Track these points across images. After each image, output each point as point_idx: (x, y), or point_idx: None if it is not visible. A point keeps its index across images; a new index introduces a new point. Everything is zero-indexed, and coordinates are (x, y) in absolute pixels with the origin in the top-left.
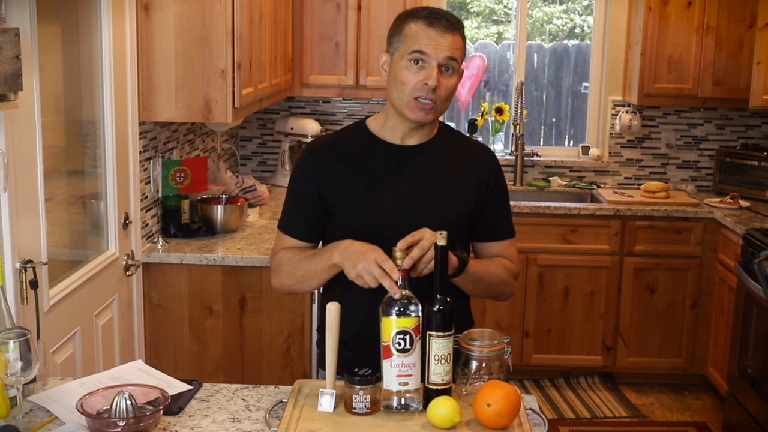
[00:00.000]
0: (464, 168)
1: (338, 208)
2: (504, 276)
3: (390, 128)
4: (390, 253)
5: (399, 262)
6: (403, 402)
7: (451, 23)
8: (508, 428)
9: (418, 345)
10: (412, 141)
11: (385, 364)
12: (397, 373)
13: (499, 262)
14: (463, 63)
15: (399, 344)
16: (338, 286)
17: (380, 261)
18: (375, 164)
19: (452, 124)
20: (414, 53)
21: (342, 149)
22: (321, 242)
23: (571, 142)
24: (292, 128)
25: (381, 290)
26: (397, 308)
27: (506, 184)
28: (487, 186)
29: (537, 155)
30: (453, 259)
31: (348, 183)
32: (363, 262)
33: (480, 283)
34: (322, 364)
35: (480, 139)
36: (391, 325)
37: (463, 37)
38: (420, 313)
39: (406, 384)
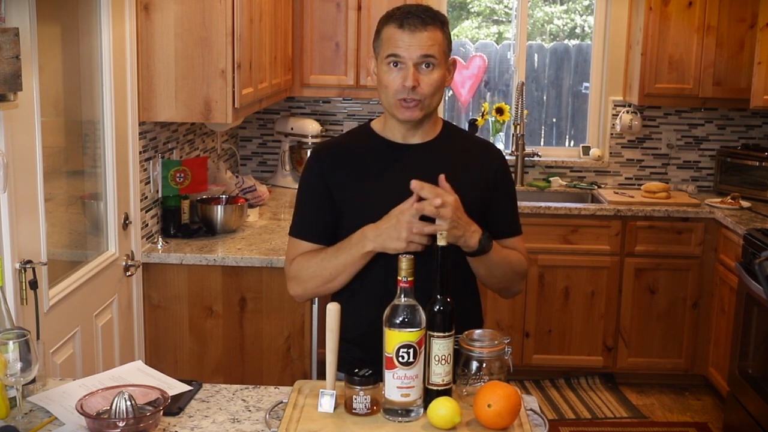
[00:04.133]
0: (470, 166)
1: (346, 209)
2: (518, 269)
3: (390, 129)
4: (396, 263)
5: (404, 273)
6: (404, 409)
7: (423, 20)
8: (509, 429)
9: (421, 356)
10: (415, 140)
11: (388, 375)
12: (399, 384)
13: (515, 255)
14: (450, 55)
15: (402, 357)
16: (348, 286)
17: (414, 222)
18: (379, 164)
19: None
20: (389, 57)
21: (347, 151)
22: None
23: (572, 143)
24: (292, 128)
25: (391, 289)
26: (400, 319)
27: (514, 182)
28: (495, 183)
29: (537, 155)
30: (476, 236)
31: (354, 183)
32: (404, 230)
33: (494, 269)
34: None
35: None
36: (395, 338)
37: (443, 30)
38: (425, 324)
39: (408, 395)
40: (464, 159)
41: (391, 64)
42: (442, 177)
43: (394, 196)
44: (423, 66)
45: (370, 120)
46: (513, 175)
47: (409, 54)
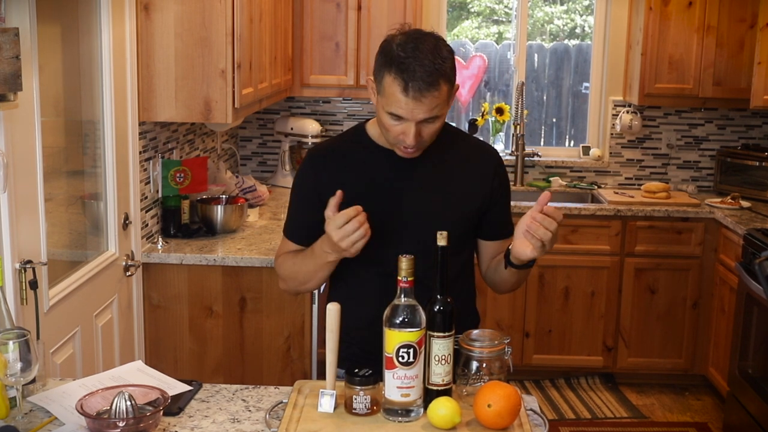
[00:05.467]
0: (467, 168)
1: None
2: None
3: None
4: (396, 261)
5: (404, 273)
6: (404, 409)
7: (427, 83)
8: (509, 429)
9: (421, 356)
10: None
11: (388, 374)
12: (399, 384)
13: None
14: (453, 85)
15: (402, 357)
16: (345, 286)
17: (338, 230)
18: (375, 170)
19: (452, 125)
20: (391, 114)
21: (342, 156)
22: None
23: (572, 143)
24: (292, 128)
25: (388, 290)
26: (400, 319)
27: (509, 184)
28: (492, 185)
29: (537, 155)
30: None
31: (348, 190)
32: (342, 241)
33: (523, 277)
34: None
35: (480, 139)
36: (395, 338)
37: (448, 78)
38: (425, 324)
39: (408, 395)
40: (461, 161)
41: (392, 117)
42: (547, 195)
43: (390, 202)
44: (426, 121)
45: (366, 120)
46: (513, 175)
47: (412, 116)
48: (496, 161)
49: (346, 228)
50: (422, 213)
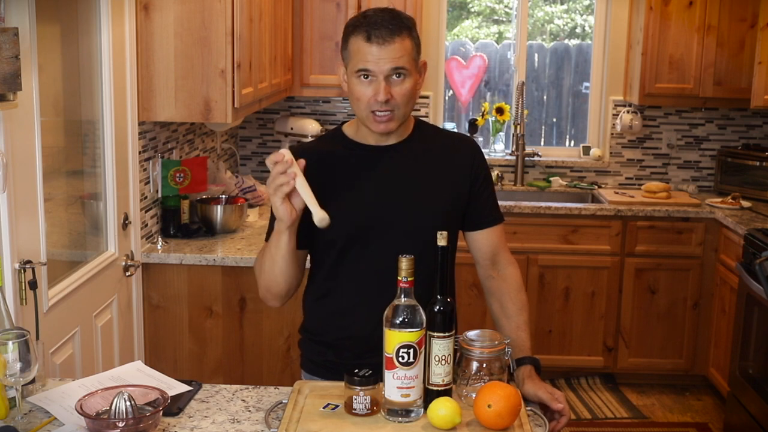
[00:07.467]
0: (447, 161)
1: None
2: (526, 308)
3: (363, 133)
4: (395, 260)
5: (404, 273)
6: (404, 409)
7: (391, 30)
8: (509, 429)
9: (421, 357)
10: (389, 142)
11: (388, 375)
12: (399, 384)
13: (522, 304)
14: (419, 57)
15: (402, 358)
16: (318, 289)
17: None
18: (353, 168)
19: (452, 125)
20: (359, 71)
21: (320, 156)
22: (309, 252)
23: (572, 142)
24: (292, 128)
25: (376, 282)
26: (401, 320)
27: (490, 171)
28: (473, 175)
29: (538, 155)
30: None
31: (328, 189)
32: (269, 186)
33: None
34: (305, 366)
35: (480, 139)
36: (395, 338)
37: (412, 35)
38: (425, 324)
39: (408, 396)
40: (439, 155)
41: (362, 77)
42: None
43: (370, 200)
44: (394, 77)
45: (342, 123)
46: (513, 175)
47: (379, 68)
48: (474, 149)
49: (274, 171)
50: (402, 206)
